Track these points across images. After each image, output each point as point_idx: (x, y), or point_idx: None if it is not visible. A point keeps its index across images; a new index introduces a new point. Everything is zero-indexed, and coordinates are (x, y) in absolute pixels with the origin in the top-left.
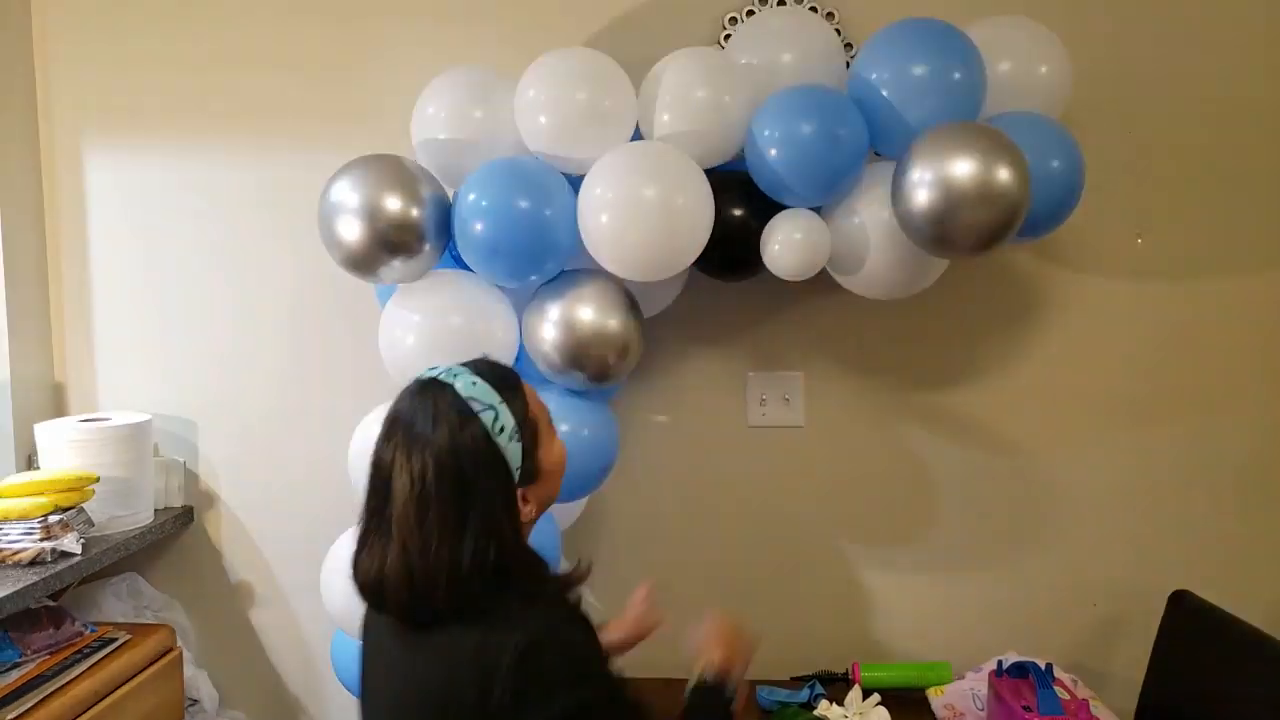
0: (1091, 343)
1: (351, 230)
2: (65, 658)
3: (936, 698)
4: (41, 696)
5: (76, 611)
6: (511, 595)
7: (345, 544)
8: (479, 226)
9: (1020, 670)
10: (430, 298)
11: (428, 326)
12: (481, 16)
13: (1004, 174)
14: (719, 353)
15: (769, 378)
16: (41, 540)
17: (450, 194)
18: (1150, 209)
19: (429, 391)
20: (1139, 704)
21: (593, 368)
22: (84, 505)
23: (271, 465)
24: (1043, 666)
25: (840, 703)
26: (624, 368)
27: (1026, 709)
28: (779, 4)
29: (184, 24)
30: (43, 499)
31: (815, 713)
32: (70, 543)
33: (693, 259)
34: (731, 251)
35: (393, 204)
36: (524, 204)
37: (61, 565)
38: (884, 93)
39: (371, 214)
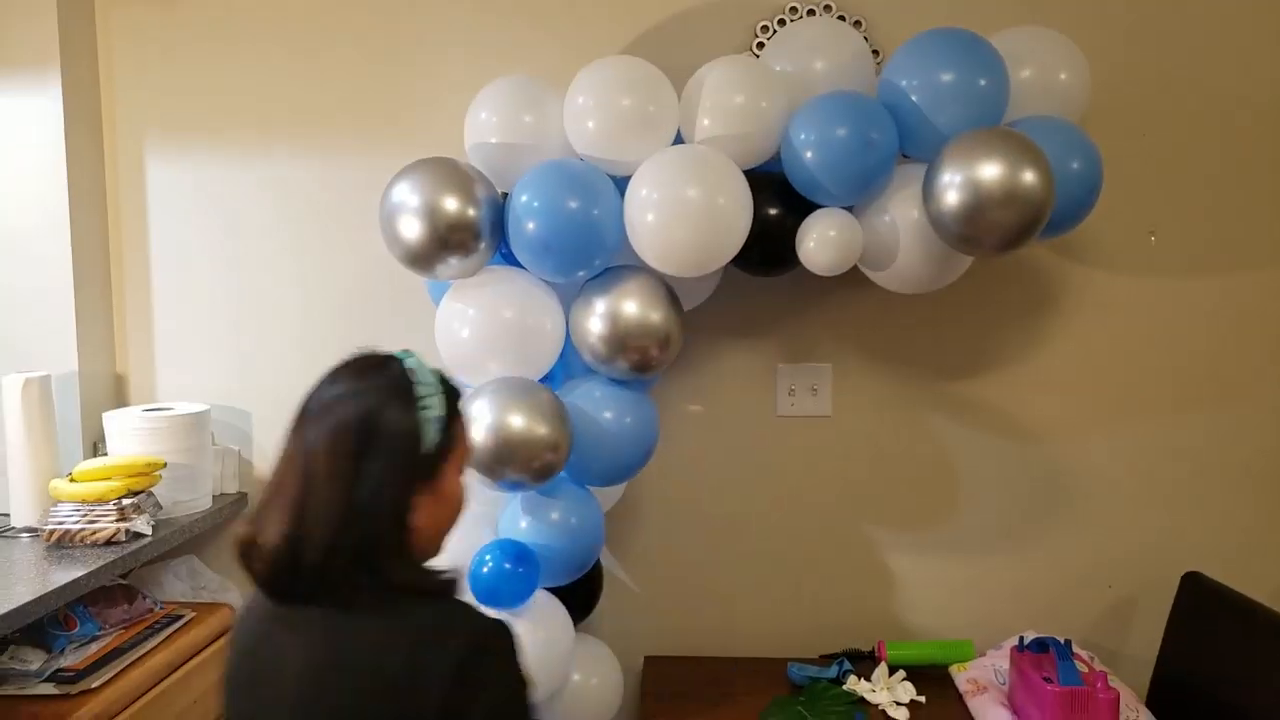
0: (1107, 335)
1: (412, 229)
2: (139, 632)
3: (960, 673)
4: (122, 667)
5: (142, 590)
6: (404, 598)
7: None
8: (531, 225)
9: (1040, 646)
10: (483, 293)
11: (481, 320)
12: (525, 27)
13: (1029, 176)
14: (750, 345)
15: (798, 369)
16: (116, 521)
17: (501, 195)
18: (1163, 207)
19: (374, 359)
20: (1152, 681)
21: (635, 358)
22: (152, 489)
23: None
24: (1062, 642)
25: (868, 678)
26: (665, 359)
27: (1047, 680)
28: (809, 13)
29: (240, 34)
30: (115, 483)
31: (845, 687)
32: (142, 524)
33: (732, 255)
34: (768, 248)
35: (451, 204)
36: (574, 204)
37: (134, 546)
38: (913, 98)
39: (431, 214)
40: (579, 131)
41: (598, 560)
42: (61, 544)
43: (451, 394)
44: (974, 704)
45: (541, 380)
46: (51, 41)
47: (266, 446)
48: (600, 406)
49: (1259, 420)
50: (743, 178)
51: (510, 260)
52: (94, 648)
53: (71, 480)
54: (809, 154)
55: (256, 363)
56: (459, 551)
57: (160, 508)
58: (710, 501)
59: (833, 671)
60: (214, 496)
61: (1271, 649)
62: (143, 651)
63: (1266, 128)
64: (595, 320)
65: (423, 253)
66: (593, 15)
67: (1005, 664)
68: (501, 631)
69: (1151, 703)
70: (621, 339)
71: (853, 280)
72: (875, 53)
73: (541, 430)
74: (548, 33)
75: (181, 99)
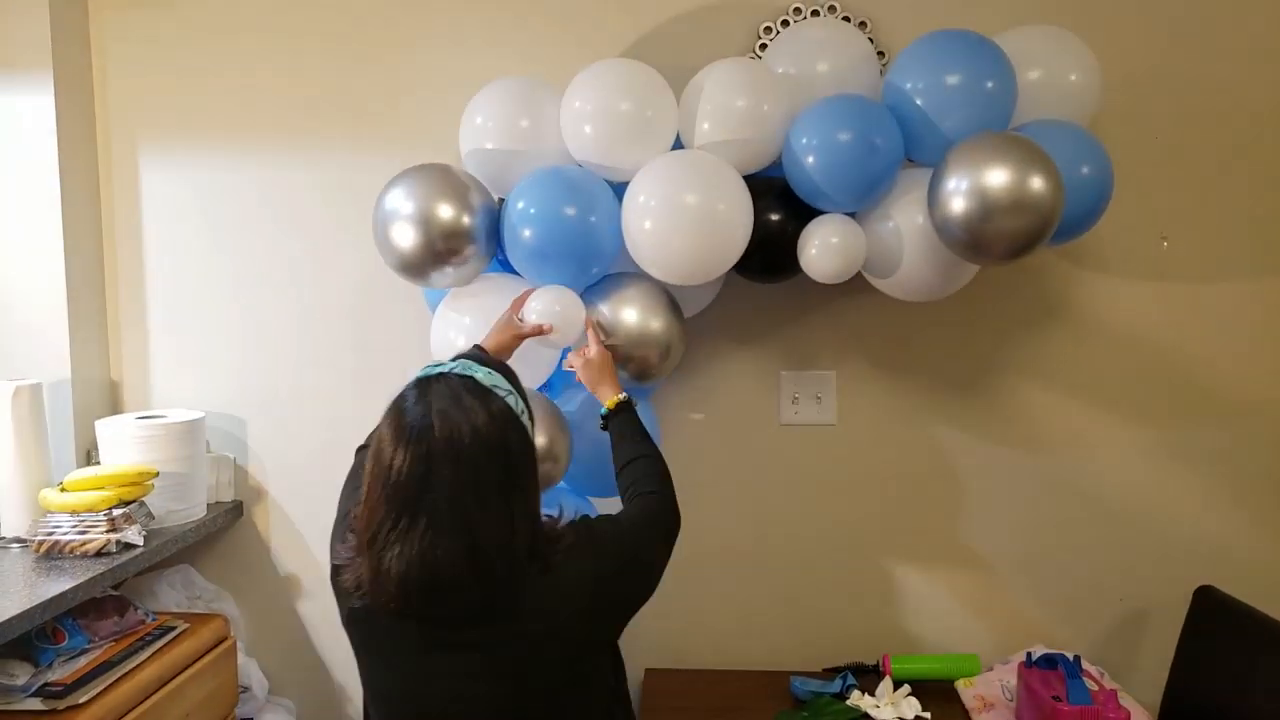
0: (1118, 343)
1: (406, 237)
2: (130, 644)
3: (966, 689)
4: (111, 680)
5: (134, 601)
6: (546, 562)
7: None
8: (527, 233)
9: (1049, 662)
10: (479, 301)
11: (477, 328)
12: (523, 28)
13: (1037, 183)
14: (752, 352)
15: (801, 377)
16: (107, 532)
17: (497, 200)
18: (1175, 212)
19: (452, 381)
20: (1164, 697)
21: (636, 367)
22: (144, 499)
23: (317, 461)
24: (1071, 659)
25: (872, 693)
26: (666, 367)
27: (1056, 699)
28: (813, 14)
29: (235, 35)
30: (107, 493)
31: (848, 703)
32: (133, 535)
33: (733, 263)
34: (769, 255)
35: (445, 212)
36: (570, 211)
37: (125, 556)
38: (918, 102)
39: (425, 222)
40: (576, 136)
41: None
42: (51, 555)
43: (516, 380)
44: None
45: (539, 389)
46: (44, 44)
47: (262, 454)
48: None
49: (1273, 430)
50: (743, 183)
51: (507, 267)
52: (83, 661)
53: (62, 490)
54: (811, 159)
55: (252, 369)
56: None
57: (152, 518)
58: (712, 511)
59: (836, 686)
60: (209, 505)
61: None
62: (133, 664)
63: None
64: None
65: (417, 261)
66: (592, 16)
67: (1013, 680)
68: (588, 521)
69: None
70: (621, 347)
71: (857, 286)
72: (881, 54)
73: (540, 440)
74: (546, 34)
75: (175, 103)
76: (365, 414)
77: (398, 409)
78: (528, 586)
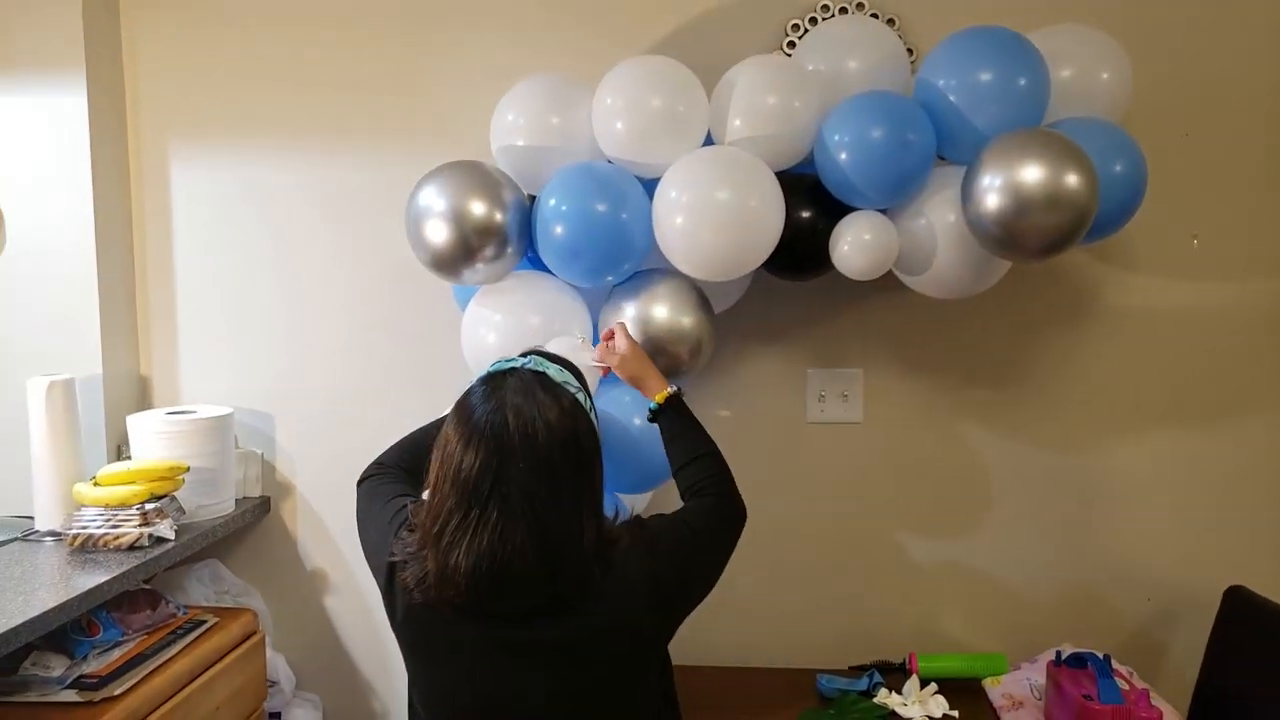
0: (1147, 342)
1: (438, 233)
2: (162, 638)
3: (994, 687)
4: (144, 673)
5: (165, 594)
6: (607, 560)
7: None
8: (559, 230)
9: (1078, 661)
10: (510, 298)
11: (508, 326)
12: (551, 26)
13: (1073, 179)
14: (779, 350)
15: (828, 375)
16: (139, 526)
17: (528, 197)
18: (1205, 210)
19: (524, 377)
20: (1193, 698)
21: (666, 364)
22: (175, 494)
23: (344, 456)
24: (1101, 657)
25: (899, 691)
26: (696, 364)
27: (1087, 698)
28: (841, 11)
29: (265, 35)
30: (138, 487)
31: (875, 700)
32: (165, 529)
33: (763, 259)
34: (800, 252)
35: (478, 208)
36: (601, 208)
37: (157, 551)
38: (951, 98)
39: (458, 218)
40: (607, 132)
41: None
42: (85, 548)
43: (578, 374)
44: (1009, 719)
45: None
46: (77, 43)
47: (290, 450)
48: (630, 412)
49: None
50: (775, 179)
51: (537, 265)
52: (117, 654)
53: (95, 484)
54: (843, 155)
55: (280, 365)
56: None
57: (183, 512)
58: None
59: (863, 684)
60: (237, 500)
61: None
62: (166, 657)
63: None
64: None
65: (449, 258)
66: (620, 14)
67: (1040, 678)
68: (641, 521)
69: None
70: (652, 345)
71: (885, 284)
72: (909, 51)
73: None
74: (575, 31)
75: (206, 99)
76: (394, 411)
77: (466, 404)
78: (591, 585)
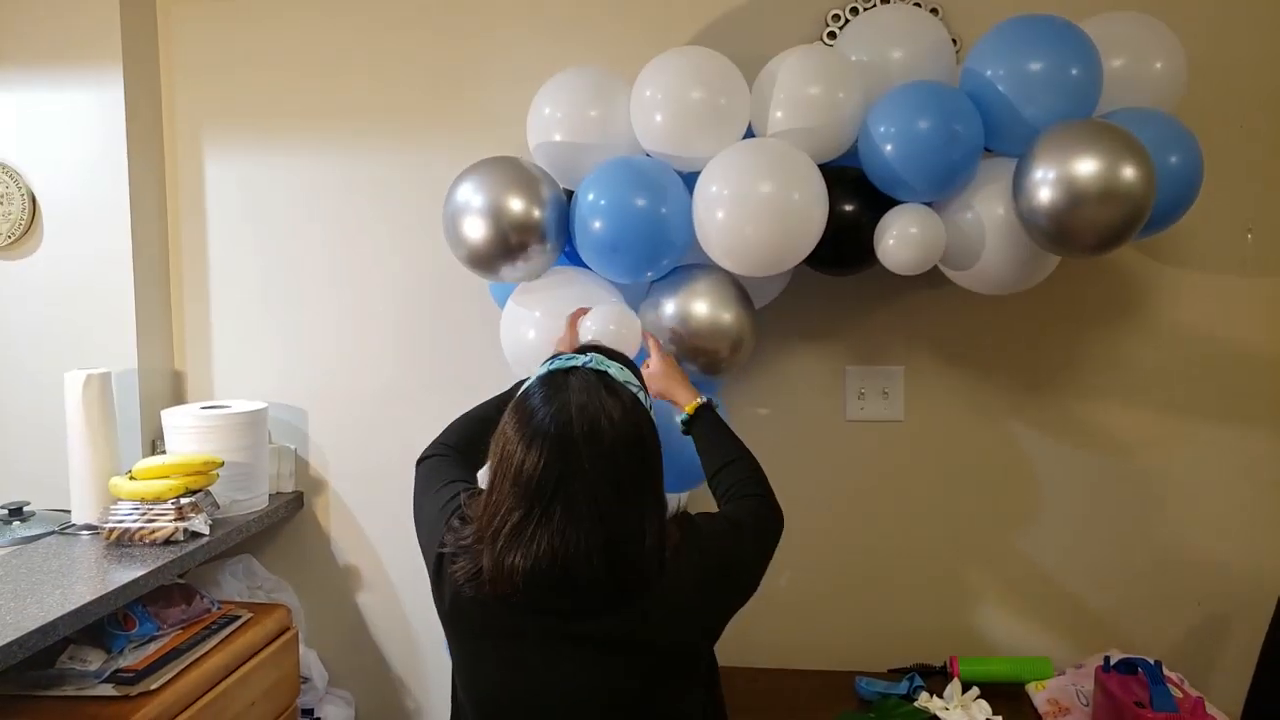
0: (1199, 339)
1: (476, 230)
2: (196, 632)
3: (1038, 692)
4: (180, 668)
5: (200, 589)
6: (662, 558)
7: None
8: (597, 225)
9: (1128, 666)
10: (549, 294)
11: (548, 323)
12: (588, 18)
13: (1129, 172)
14: (818, 346)
15: (868, 372)
16: (175, 521)
17: (566, 192)
18: (1261, 203)
19: (586, 375)
20: (1245, 707)
21: (705, 360)
22: (209, 488)
23: (378, 452)
24: (1152, 663)
25: (940, 695)
26: (737, 360)
27: (1139, 705)
28: (883, 1)
29: (301, 28)
30: (173, 481)
31: (915, 704)
32: (200, 524)
33: (806, 254)
34: (844, 246)
35: (516, 205)
36: (641, 202)
37: (192, 545)
38: (1000, 89)
39: (496, 215)
40: (647, 125)
41: None
42: (121, 543)
43: (637, 372)
44: None
45: None
46: (114, 37)
47: (323, 445)
48: (668, 410)
49: None
50: (818, 172)
51: (575, 260)
52: (152, 648)
53: (131, 478)
54: (889, 147)
55: (314, 361)
56: None
57: (218, 507)
58: None
59: (903, 687)
60: (270, 496)
61: None
62: (201, 652)
63: None
64: (665, 322)
65: (487, 254)
66: (659, 4)
67: (1087, 684)
68: (690, 518)
69: None
70: (692, 340)
71: (926, 279)
72: (954, 41)
73: None
74: (611, 23)
75: (241, 96)
76: (428, 408)
77: (526, 404)
78: (650, 585)
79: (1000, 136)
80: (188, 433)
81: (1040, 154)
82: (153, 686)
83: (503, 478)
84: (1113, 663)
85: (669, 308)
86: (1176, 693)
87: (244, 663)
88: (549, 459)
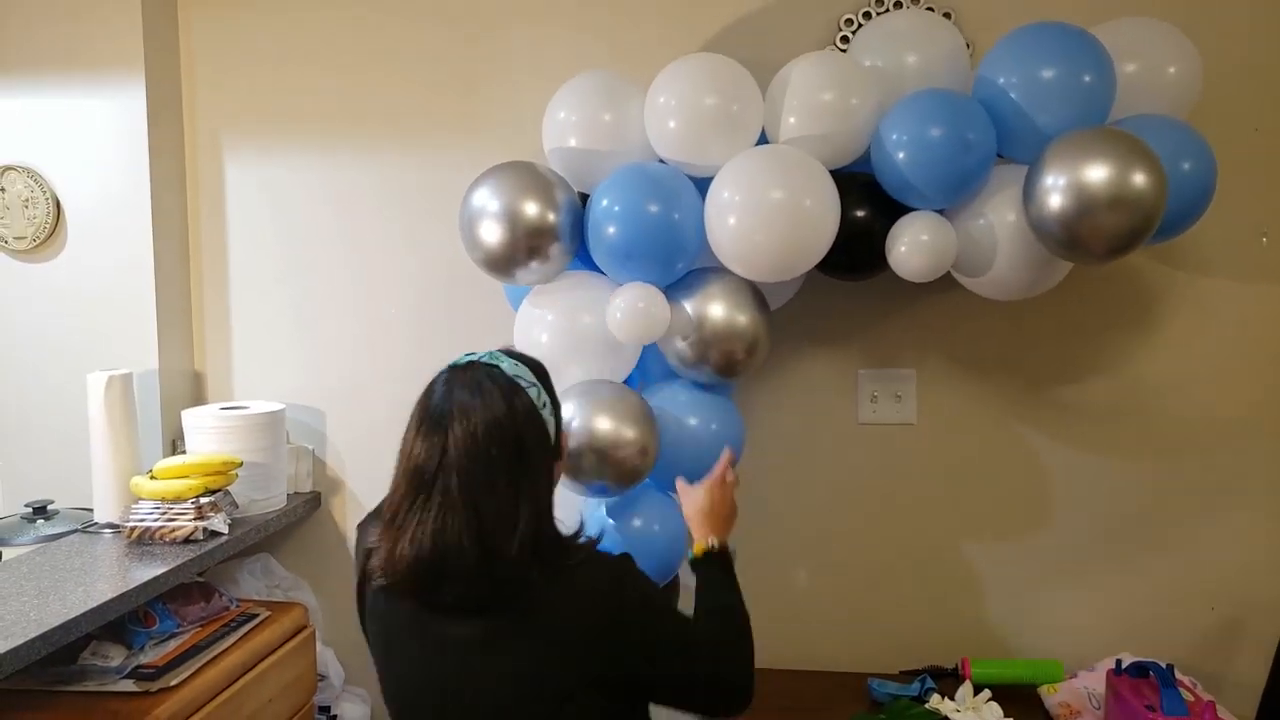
0: (1212, 343)
1: (492, 234)
2: (215, 630)
3: (1050, 695)
4: (200, 664)
5: (218, 587)
6: (560, 562)
7: None
8: (611, 230)
9: (1140, 670)
10: (562, 297)
11: (560, 325)
12: (604, 23)
13: (1140, 179)
14: (830, 350)
15: (880, 375)
16: (195, 520)
17: (580, 196)
18: (1275, 207)
19: (477, 370)
20: (1259, 711)
21: (721, 362)
22: (228, 488)
23: (394, 454)
24: (1164, 667)
25: (951, 697)
26: (752, 363)
27: (1150, 709)
28: (895, 5)
29: (319, 32)
30: (193, 481)
31: (927, 706)
32: (219, 523)
33: (818, 260)
34: (856, 252)
35: (531, 209)
36: (654, 208)
37: (211, 544)
38: (1012, 96)
39: (511, 219)
40: (660, 131)
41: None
42: (142, 541)
43: (543, 373)
44: None
45: (625, 382)
46: (136, 42)
47: (340, 446)
48: (685, 411)
49: None
50: (830, 179)
51: (589, 263)
52: (172, 645)
53: (152, 478)
54: (901, 155)
55: (332, 363)
56: None
57: (237, 506)
58: (788, 511)
59: (915, 689)
60: (288, 496)
61: None
62: (219, 649)
63: None
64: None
65: (502, 257)
66: (672, 11)
67: (1099, 687)
68: (628, 563)
69: None
70: (708, 342)
71: (939, 285)
72: (967, 45)
73: (630, 434)
74: (625, 29)
75: (261, 100)
76: None
77: (426, 395)
78: (531, 589)
79: (1013, 144)
80: (207, 433)
81: (1050, 161)
82: (173, 683)
83: (399, 468)
84: (1124, 666)
85: (686, 309)
86: (1188, 696)
87: (262, 660)
88: (430, 448)
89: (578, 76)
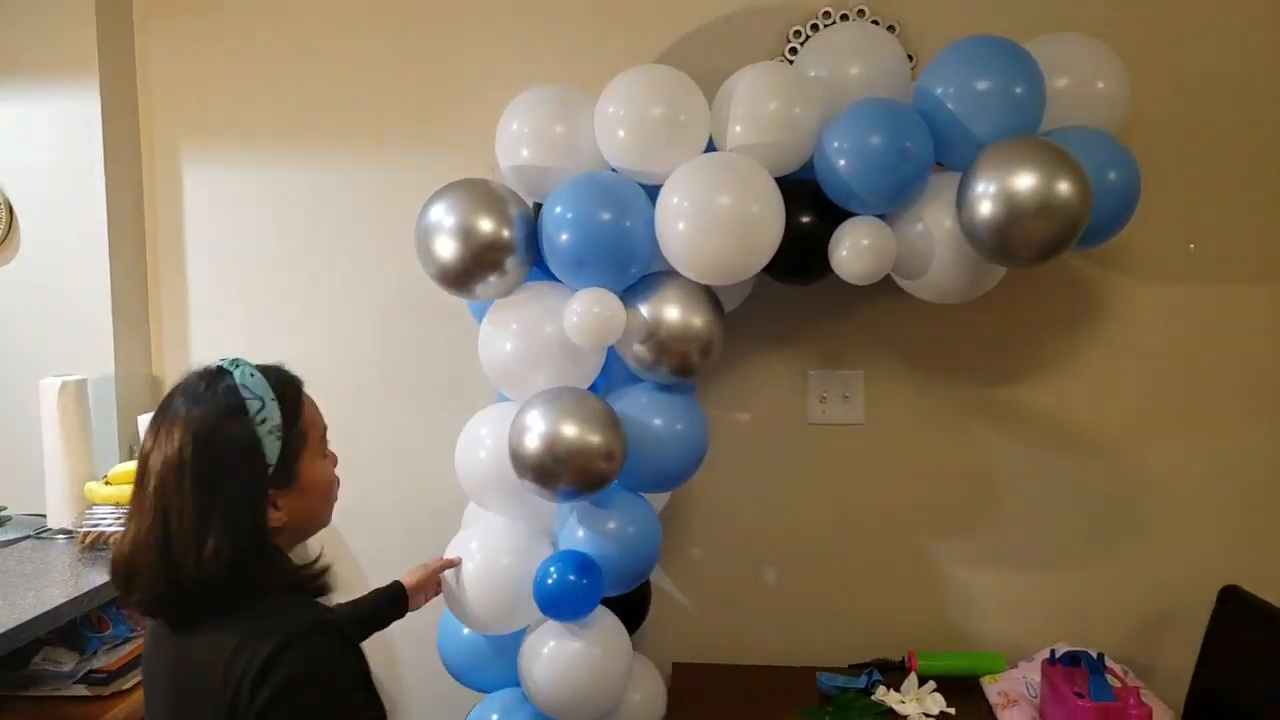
0: (1146, 346)
1: (447, 249)
2: None
3: (990, 685)
4: None
5: None
6: (259, 600)
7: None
8: (564, 238)
9: (1072, 659)
10: (523, 309)
11: (523, 335)
12: (556, 35)
13: (1064, 187)
14: (780, 351)
15: (829, 376)
16: None
17: (531, 204)
18: (1202, 216)
19: (207, 375)
20: (1188, 696)
21: (677, 363)
22: None
23: (354, 461)
24: (1094, 656)
25: (897, 689)
26: (708, 363)
27: (1079, 695)
28: (842, 18)
29: (277, 43)
30: None
31: (873, 698)
32: None
33: (764, 264)
34: (800, 257)
35: (485, 225)
36: (605, 216)
37: None
38: (949, 106)
39: (466, 234)
40: (610, 141)
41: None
42: (95, 546)
43: (288, 394)
44: (1004, 716)
45: (590, 389)
46: (90, 49)
47: None
48: (649, 413)
49: None
50: (775, 185)
51: (547, 273)
52: (126, 649)
53: (106, 483)
54: (843, 162)
55: (290, 368)
56: (518, 565)
57: None
58: (738, 509)
59: (862, 682)
60: None
61: None
62: None
63: None
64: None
65: (459, 273)
66: (623, 23)
67: (1036, 677)
68: (316, 633)
69: (1187, 719)
70: (664, 344)
71: (886, 287)
72: (910, 57)
73: (595, 439)
74: (579, 41)
75: (217, 105)
76: (407, 417)
77: (169, 395)
78: (213, 611)
79: (950, 152)
80: None
81: (980, 169)
82: (125, 687)
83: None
84: (1058, 655)
85: (642, 313)
86: (1115, 683)
87: None
88: (145, 450)
89: (530, 90)
